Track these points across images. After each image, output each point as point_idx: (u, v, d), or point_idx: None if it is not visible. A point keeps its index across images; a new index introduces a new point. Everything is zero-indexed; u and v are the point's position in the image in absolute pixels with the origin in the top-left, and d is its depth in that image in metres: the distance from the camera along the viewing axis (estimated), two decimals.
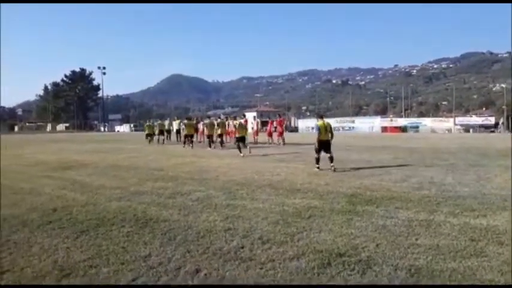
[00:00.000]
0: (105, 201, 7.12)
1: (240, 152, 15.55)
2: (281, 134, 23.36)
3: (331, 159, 11.02)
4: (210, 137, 21.65)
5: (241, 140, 16.40)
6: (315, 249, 4.31)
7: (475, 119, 54.12)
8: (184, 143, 23.11)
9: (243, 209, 6.24)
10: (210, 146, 21.19)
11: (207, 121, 23.43)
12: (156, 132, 27.58)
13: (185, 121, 24.92)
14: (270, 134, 24.54)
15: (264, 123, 25.96)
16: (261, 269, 3.83)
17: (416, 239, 4.64)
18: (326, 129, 11.44)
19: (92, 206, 6.75)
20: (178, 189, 8.21)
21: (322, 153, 11.06)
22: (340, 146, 21.54)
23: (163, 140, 27.48)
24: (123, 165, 12.92)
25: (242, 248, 4.44)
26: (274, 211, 6.03)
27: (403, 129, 53.92)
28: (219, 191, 7.89)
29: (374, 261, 3.97)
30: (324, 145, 11.30)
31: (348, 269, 3.79)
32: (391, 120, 58.69)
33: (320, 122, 11.60)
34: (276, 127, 24.09)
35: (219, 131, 21.41)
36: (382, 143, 25.17)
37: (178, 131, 29.01)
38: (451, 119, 54.18)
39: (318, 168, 10.96)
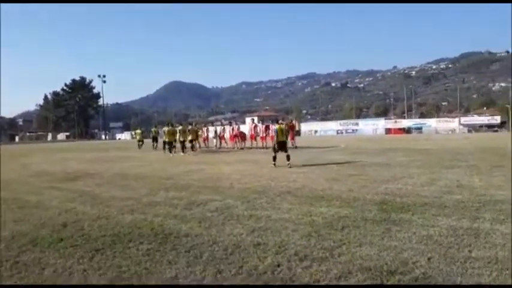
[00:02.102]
0: (118, 214, 6.66)
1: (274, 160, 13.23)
2: (292, 138, 23.08)
3: (288, 157, 12.72)
4: (182, 142, 22.62)
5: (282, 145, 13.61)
6: (361, 267, 3.84)
7: (480, 119, 53.68)
8: (164, 148, 23.55)
9: (268, 220, 5.77)
10: (182, 151, 22.17)
11: (179, 127, 23.73)
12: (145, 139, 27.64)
13: (165, 128, 25.15)
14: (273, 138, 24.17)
15: (267, 128, 25.46)
16: None
17: (470, 251, 4.18)
18: (282, 132, 13.32)
19: (105, 220, 6.28)
20: (193, 198, 7.75)
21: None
22: (351, 149, 21.16)
23: (155, 146, 28.09)
24: (130, 174, 12.46)
25: (278, 266, 3.98)
26: (302, 222, 5.57)
27: (407, 130, 53.52)
28: (237, 200, 7.44)
29: (432, 278, 3.52)
30: (280, 145, 13.16)
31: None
32: (395, 122, 58.24)
33: (277, 126, 13.57)
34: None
35: (189, 137, 22.86)
36: (391, 145, 24.76)
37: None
38: (456, 119, 53.77)
39: (274, 165, 12.66)
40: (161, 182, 10.41)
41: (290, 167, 12.20)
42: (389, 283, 3.47)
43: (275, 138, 13.05)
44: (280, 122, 14.91)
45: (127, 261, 4.30)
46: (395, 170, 10.95)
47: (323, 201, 6.94)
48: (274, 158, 12.89)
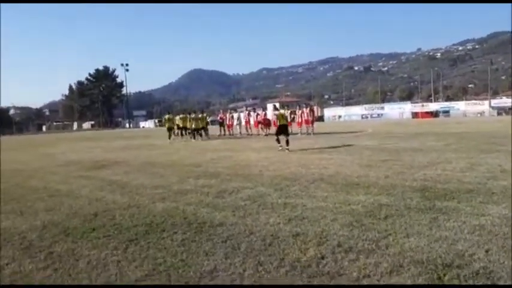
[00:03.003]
0: (149, 202, 6.53)
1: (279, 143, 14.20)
2: (312, 123, 22.72)
3: (287, 142, 13.70)
4: (184, 129, 24.96)
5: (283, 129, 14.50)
6: (413, 260, 3.56)
7: (510, 101, 51.84)
8: (169, 136, 24.53)
9: (305, 208, 5.53)
10: (194, 138, 23.83)
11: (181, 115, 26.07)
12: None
13: (166, 116, 26.69)
14: (300, 124, 23.89)
15: (292, 113, 25.18)
16: None
17: None
18: (283, 117, 14.53)
19: (136, 208, 6.17)
20: (223, 186, 7.57)
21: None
22: (380, 133, 20.68)
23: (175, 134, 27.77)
24: (157, 162, 12.39)
25: (323, 258, 3.73)
26: (341, 211, 5.30)
27: (435, 114, 52.21)
28: (269, 187, 7.22)
29: (495, 274, 3.21)
30: (282, 129, 14.21)
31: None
32: (422, 106, 56.86)
33: (277, 112, 15.11)
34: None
35: (193, 125, 23.95)
36: (421, 129, 24.07)
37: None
38: (486, 102, 52.07)
39: (281, 147, 13.71)
40: (190, 169, 10.28)
41: (289, 151, 13.32)
42: (446, 277, 3.19)
43: (277, 122, 14.32)
44: (279, 108, 17.56)
45: (162, 253, 4.14)
46: (431, 155, 10.52)
47: (360, 189, 6.64)
48: (278, 141, 14.03)
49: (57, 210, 6.38)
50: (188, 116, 25.31)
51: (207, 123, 27.17)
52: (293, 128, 24.77)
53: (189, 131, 24.75)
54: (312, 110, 23.71)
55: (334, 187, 6.91)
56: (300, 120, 24.11)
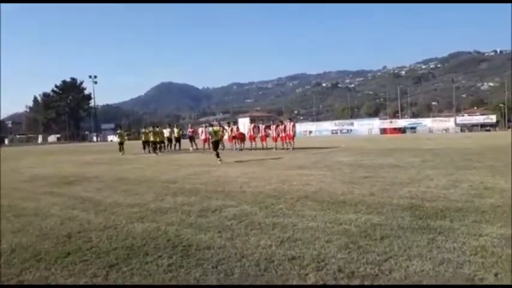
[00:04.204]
0: (127, 222, 6.09)
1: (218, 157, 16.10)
2: (292, 138, 22.63)
3: (218, 155, 15.90)
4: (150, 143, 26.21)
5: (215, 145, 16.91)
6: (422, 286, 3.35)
7: (475, 118, 53.75)
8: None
9: (295, 229, 5.25)
10: (154, 152, 25.27)
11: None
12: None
13: (118, 131, 29.56)
14: (276, 139, 23.75)
15: (267, 128, 25.09)
16: None
17: None
18: (216, 134, 16.45)
19: (113, 229, 5.72)
20: (205, 204, 7.21)
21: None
22: (354, 149, 20.78)
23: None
24: (131, 178, 11.86)
25: (325, 285, 3.47)
26: (334, 231, 5.06)
27: (402, 130, 53.40)
28: (253, 205, 6.91)
29: None
30: (215, 144, 16.36)
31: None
32: (391, 122, 58.10)
33: (211, 129, 17.14)
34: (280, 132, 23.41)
35: (156, 139, 25.76)
36: (393, 145, 24.41)
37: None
38: (451, 119, 53.77)
39: (220, 161, 15.53)
40: (165, 186, 9.84)
41: (220, 162, 15.33)
42: None
43: (210, 138, 16.65)
44: (213, 124, 20.37)
45: (148, 280, 3.77)
46: (410, 172, 10.50)
47: (347, 207, 6.44)
48: (218, 155, 15.93)
49: (26, 231, 5.85)
50: (151, 129, 27.06)
51: (180, 136, 28.02)
52: (269, 143, 24.71)
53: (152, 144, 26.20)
54: (294, 125, 23.56)
55: (321, 205, 6.68)
56: (274, 135, 23.93)
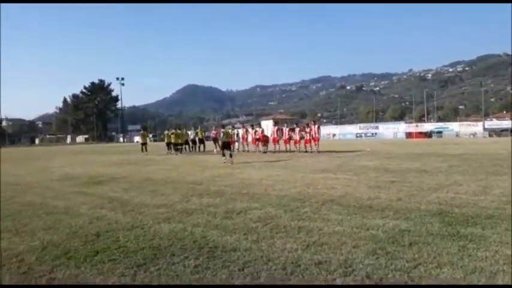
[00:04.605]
0: (154, 223, 6.16)
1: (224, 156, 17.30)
2: (317, 140, 22.44)
3: (231, 155, 17.19)
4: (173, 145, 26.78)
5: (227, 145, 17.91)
6: None
7: (505, 123, 52.20)
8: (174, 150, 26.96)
9: (321, 233, 5.20)
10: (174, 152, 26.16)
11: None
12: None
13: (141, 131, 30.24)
14: (298, 142, 23.62)
15: (291, 130, 24.97)
16: None
17: None
18: (227, 135, 17.89)
19: (140, 229, 5.79)
20: (230, 206, 7.23)
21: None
22: (380, 153, 20.47)
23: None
24: (157, 179, 12.00)
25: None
26: (361, 236, 4.98)
27: (429, 134, 52.35)
28: (278, 208, 6.88)
29: None
30: (226, 145, 17.45)
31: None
32: (417, 126, 57.02)
33: (223, 130, 18.62)
34: (305, 134, 23.27)
35: (178, 140, 26.47)
36: (420, 149, 23.90)
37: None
38: (479, 123, 52.38)
39: (225, 162, 16.47)
40: (191, 187, 9.91)
41: (232, 163, 16.24)
42: None
43: (222, 139, 17.60)
44: (226, 127, 21.90)
45: (175, 281, 3.79)
46: (438, 177, 10.26)
47: (374, 212, 6.33)
48: (223, 155, 17.17)
49: (56, 229, 5.99)
50: (173, 131, 27.53)
51: (204, 138, 28.43)
52: (291, 145, 24.62)
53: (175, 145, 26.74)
54: (319, 128, 23.37)
55: (347, 209, 6.59)
56: (297, 138, 23.81)
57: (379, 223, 5.59)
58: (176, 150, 26.27)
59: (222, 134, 18.05)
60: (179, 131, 27.67)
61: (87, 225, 6.20)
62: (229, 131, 20.31)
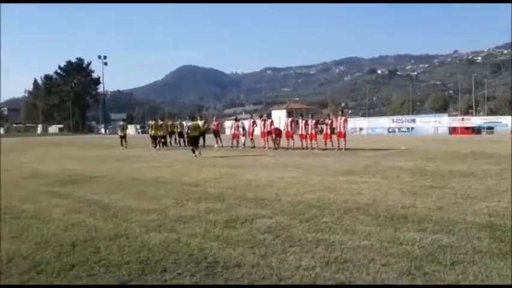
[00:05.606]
0: (141, 231, 6.21)
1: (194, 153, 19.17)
2: (343, 136, 22.34)
3: (199, 152, 19.31)
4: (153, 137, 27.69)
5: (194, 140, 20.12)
6: None
7: None
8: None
9: (344, 248, 5.20)
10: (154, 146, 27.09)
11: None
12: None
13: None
14: (327, 136, 23.51)
15: (317, 123, 24.87)
16: None
17: None
18: (195, 128, 19.85)
19: (125, 239, 5.84)
20: (233, 213, 7.28)
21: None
22: (417, 152, 20.40)
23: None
24: (146, 179, 12.11)
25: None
26: (392, 253, 4.98)
27: (477, 130, 52.05)
28: (292, 217, 6.91)
29: None
30: (193, 139, 19.80)
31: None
32: (462, 119, 56.69)
33: (190, 123, 20.72)
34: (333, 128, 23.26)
35: (161, 133, 27.70)
36: (465, 148, 23.76)
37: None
38: None
39: (196, 156, 18.63)
40: (186, 189, 10.01)
41: (199, 155, 19.06)
42: None
43: (190, 133, 20.24)
44: (196, 118, 23.18)
45: None
46: (488, 182, 10.24)
47: (409, 224, 6.33)
48: (193, 151, 19.21)
49: (25, 237, 6.07)
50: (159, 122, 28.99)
51: (204, 131, 28.12)
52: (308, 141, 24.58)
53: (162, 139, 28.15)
54: (346, 120, 23.15)
55: (376, 220, 6.60)
56: (313, 132, 23.72)
57: (414, 237, 5.59)
58: (154, 144, 27.19)
59: (186, 128, 20.40)
60: (161, 122, 28.89)
61: (62, 232, 6.27)
62: (199, 123, 22.04)
